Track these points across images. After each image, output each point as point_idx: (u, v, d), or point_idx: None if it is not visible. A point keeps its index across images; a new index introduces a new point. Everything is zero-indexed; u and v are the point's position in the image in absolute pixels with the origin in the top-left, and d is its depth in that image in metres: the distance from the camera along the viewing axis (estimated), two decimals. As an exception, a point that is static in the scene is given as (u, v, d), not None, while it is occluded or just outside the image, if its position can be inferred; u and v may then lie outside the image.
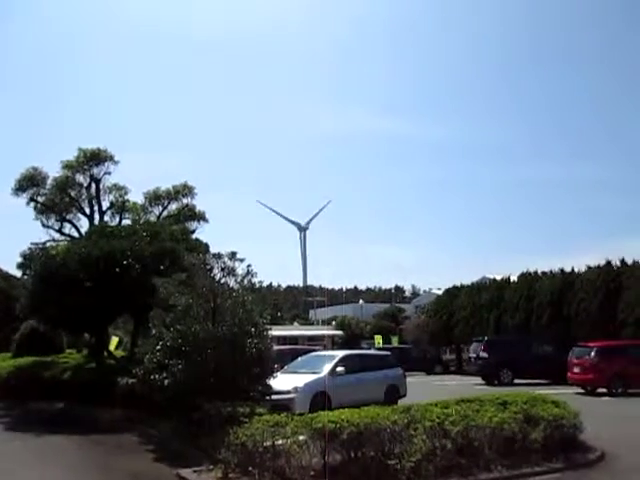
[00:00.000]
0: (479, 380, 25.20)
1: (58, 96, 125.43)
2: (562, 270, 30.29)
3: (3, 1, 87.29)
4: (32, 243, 24.69)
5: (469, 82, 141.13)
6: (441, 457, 7.58)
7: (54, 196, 25.33)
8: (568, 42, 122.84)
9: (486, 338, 27.06)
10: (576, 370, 20.38)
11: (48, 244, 24.69)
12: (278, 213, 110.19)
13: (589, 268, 28.54)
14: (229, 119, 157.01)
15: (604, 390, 19.41)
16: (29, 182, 25.05)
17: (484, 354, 25.48)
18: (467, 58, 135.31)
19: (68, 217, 25.88)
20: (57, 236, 25.66)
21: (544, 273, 31.46)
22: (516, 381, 23.60)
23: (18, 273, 26.06)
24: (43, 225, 25.61)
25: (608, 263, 27.67)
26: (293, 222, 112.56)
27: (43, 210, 25.55)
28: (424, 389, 19.91)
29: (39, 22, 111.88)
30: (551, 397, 9.98)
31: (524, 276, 32.42)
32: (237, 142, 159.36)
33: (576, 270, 29.56)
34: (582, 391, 19.90)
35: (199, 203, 27.88)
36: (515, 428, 8.32)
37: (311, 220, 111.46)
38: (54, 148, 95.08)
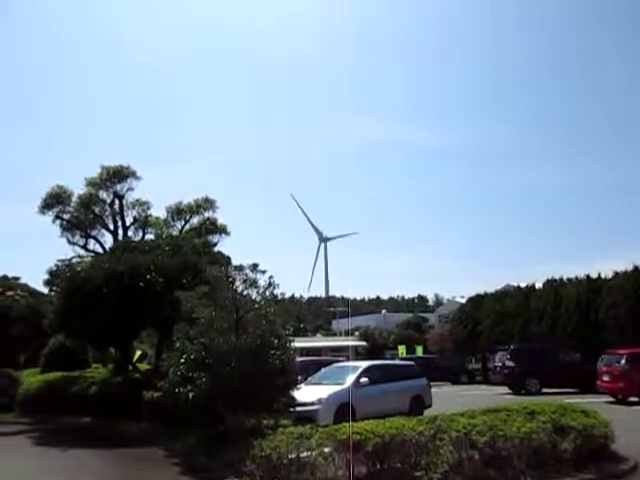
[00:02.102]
0: (506, 389, 24.78)
1: (80, 115, 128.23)
2: (588, 276, 29.76)
3: (27, 21, 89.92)
4: (58, 260, 25.23)
5: (479, 88, 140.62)
6: (469, 468, 7.46)
7: (79, 213, 25.86)
8: (578, 44, 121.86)
9: (512, 347, 26.63)
10: (606, 378, 19.92)
11: (74, 260, 25.14)
12: (306, 215, 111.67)
13: (616, 274, 27.98)
14: (250, 132, 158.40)
15: (635, 399, 18.92)
16: (55, 200, 25.62)
17: (510, 363, 25.07)
18: (475, 63, 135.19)
19: (93, 233, 26.39)
20: (82, 252, 26.19)
21: (569, 280, 30.94)
22: (544, 390, 23.15)
23: (45, 289, 26.63)
24: (69, 242, 26.17)
25: (636, 268, 27.11)
26: (317, 229, 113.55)
27: (68, 227, 26.08)
28: (449, 399, 19.65)
29: (63, 39, 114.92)
30: (580, 406, 9.77)
31: (549, 283, 31.92)
32: (257, 154, 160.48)
33: (602, 276, 29.02)
34: (612, 400, 19.43)
35: (220, 216, 28.20)
36: (544, 438, 8.15)
37: (333, 238, 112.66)
38: (78, 166, 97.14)
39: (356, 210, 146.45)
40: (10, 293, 27.32)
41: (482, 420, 8.25)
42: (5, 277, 30.44)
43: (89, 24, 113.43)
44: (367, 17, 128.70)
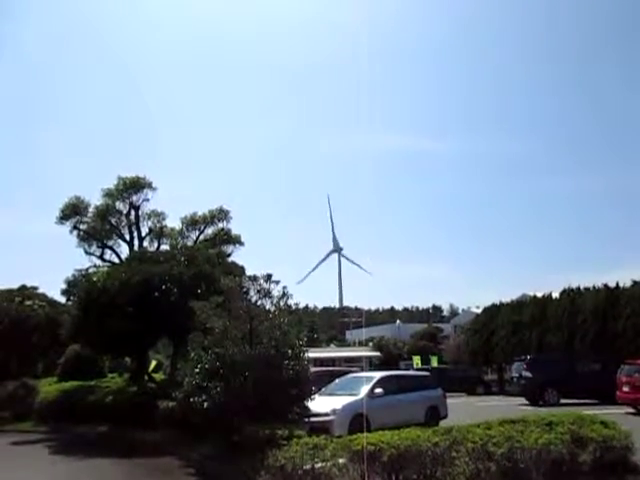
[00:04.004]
0: (523, 400, 24.45)
1: (97, 127, 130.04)
2: (606, 285, 29.34)
3: (45, 38, 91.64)
4: (75, 270, 25.51)
5: (484, 97, 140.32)
6: (485, 480, 7.36)
7: (96, 223, 26.14)
8: (577, 52, 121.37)
9: (529, 357, 26.29)
10: (626, 389, 19.55)
11: (90, 270, 25.40)
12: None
13: (635, 283, 27.58)
14: (262, 141, 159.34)
15: (657, 410, 18.54)
16: (72, 211, 25.95)
17: (527, 373, 24.73)
18: (475, 73, 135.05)
19: (109, 243, 26.65)
20: (99, 262, 26.43)
21: (587, 289, 30.53)
22: (562, 401, 22.80)
23: (63, 299, 26.92)
24: (86, 252, 26.44)
25: (655, 277, 26.73)
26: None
27: (85, 237, 26.37)
28: (465, 410, 19.42)
29: (78, 49, 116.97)
30: (600, 417, 9.58)
31: (566, 292, 31.51)
32: (270, 163, 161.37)
33: (621, 285, 28.63)
34: (633, 411, 19.06)
35: (234, 226, 28.36)
36: (563, 450, 7.99)
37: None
38: (95, 177, 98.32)
39: (370, 219, 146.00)
40: (29, 302, 27.68)
41: (499, 431, 8.13)
42: (24, 287, 30.83)
43: (105, 33, 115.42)
44: (374, 25, 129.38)
